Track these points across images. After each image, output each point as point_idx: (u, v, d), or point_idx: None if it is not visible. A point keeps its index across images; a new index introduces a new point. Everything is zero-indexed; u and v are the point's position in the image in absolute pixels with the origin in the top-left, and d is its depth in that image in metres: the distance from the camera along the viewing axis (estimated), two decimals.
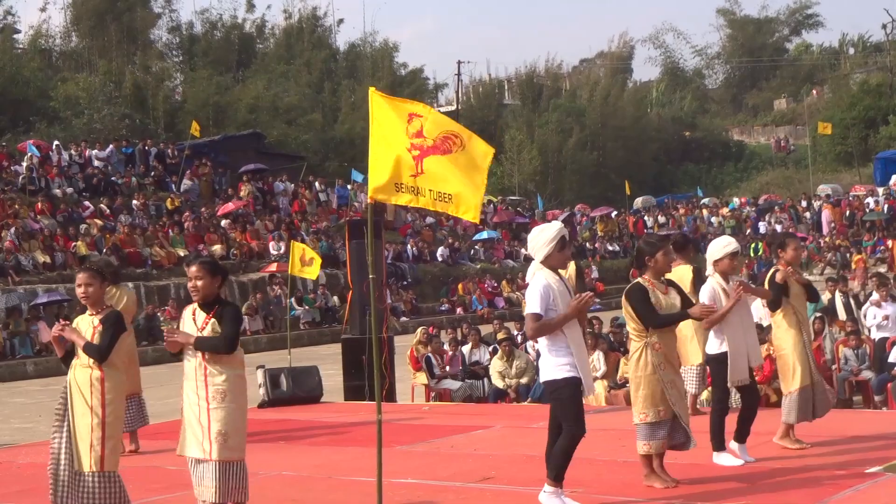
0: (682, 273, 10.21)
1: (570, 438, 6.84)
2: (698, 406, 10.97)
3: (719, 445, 8.35)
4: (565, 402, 6.87)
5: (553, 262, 6.97)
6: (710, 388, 9.77)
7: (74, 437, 6.69)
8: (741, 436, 8.45)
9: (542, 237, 6.99)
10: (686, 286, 9.95)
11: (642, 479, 7.65)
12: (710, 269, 8.60)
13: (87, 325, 6.79)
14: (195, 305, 6.42)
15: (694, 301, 10.01)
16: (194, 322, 6.37)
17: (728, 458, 8.30)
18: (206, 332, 6.30)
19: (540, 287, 6.86)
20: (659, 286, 7.64)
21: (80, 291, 6.84)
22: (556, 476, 6.90)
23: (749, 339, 8.53)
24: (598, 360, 13.21)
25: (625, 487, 7.67)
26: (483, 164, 7.14)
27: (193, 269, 6.38)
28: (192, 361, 6.44)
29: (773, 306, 8.82)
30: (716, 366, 8.48)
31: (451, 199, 7.03)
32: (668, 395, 7.47)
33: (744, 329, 8.46)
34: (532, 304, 6.85)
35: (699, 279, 10.23)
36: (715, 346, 8.45)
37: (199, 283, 6.35)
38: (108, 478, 6.67)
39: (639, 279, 7.67)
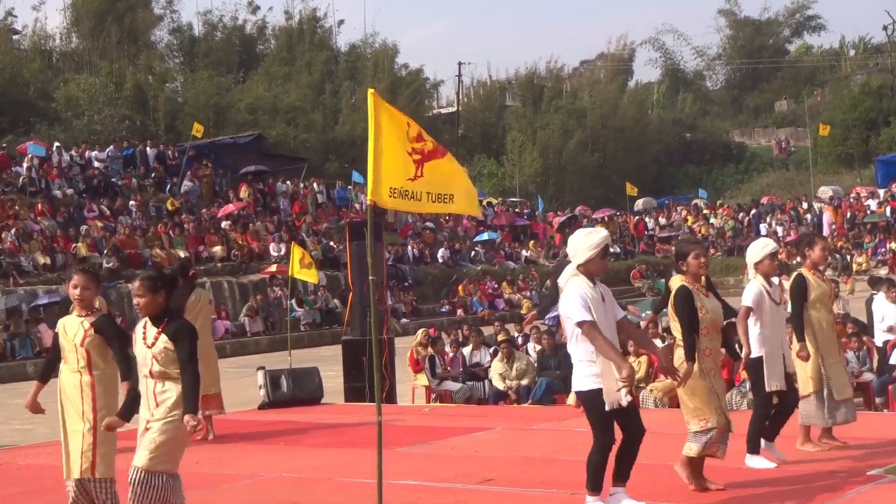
0: None
1: (598, 449, 6.76)
2: None
3: (754, 448, 8.28)
4: (591, 413, 6.75)
5: (592, 267, 6.80)
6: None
7: (66, 443, 6.68)
8: (771, 435, 8.41)
9: (587, 241, 6.82)
10: None
11: (685, 481, 7.57)
12: (751, 272, 8.53)
13: (76, 327, 6.75)
14: (146, 319, 6.34)
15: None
16: (144, 340, 6.26)
17: (761, 461, 8.23)
18: (157, 349, 6.19)
19: (576, 295, 6.68)
20: (701, 288, 7.59)
21: (76, 293, 6.79)
22: (594, 486, 6.80)
23: (784, 345, 8.49)
24: None
25: (626, 490, 7.63)
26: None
27: (135, 285, 6.31)
28: (142, 378, 6.33)
29: (793, 316, 8.76)
30: (754, 371, 8.40)
31: (451, 198, 7.09)
32: (717, 400, 7.46)
33: (779, 336, 8.42)
34: (578, 312, 6.63)
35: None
36: (756, 349, 8.35)
37: (141, 300, 6.28)
38: (101, 484, 6.65)
39: (682, 282, 7.59)
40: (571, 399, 13.10)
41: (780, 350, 8.43)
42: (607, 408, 6.65)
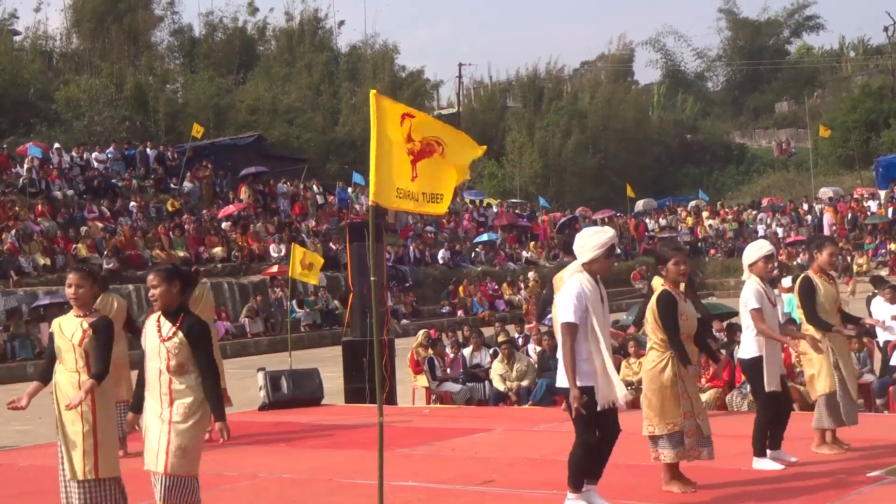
0: None
1: (580, 445, 6.82)
2: None
3: (760, 451, 8.24)
4: (579, 410, 6.76)
5: (596, 266, 6.85)
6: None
7: (66, 445, 6.65)
8: (776, 442, 8.36)
9: (593, 240, 6.87)
10: None
11: (661, 484, 7.58)
12: (746, 273, 8.52)
13: (73, 327, 6.73)
14: (159, 314, 6.28)
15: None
16: (159, 332, 6.20)
17: (768, 464, 8.20)
18: (172, 343, 6.14)
19: (574, 294, 6.72)
20: (680, 294, 7.61)
21: (70, 292, 6.81)
22: (575, 483, 6.86)
23: (778, 347, 8.48)
24: None
25: (626, 490, 7.64)
26: (465, 163, 7.33)
27: (150, 277, 6.31)
28: (153, 371, 6.25)
29: (809, 318, 8.75)
30: (752, 371, 8.35)
31: (441, 199, 7.17)
32: (690, 405, 7.45)
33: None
34: (567, 312, 6.71)
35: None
36: (750, 350, 8.34)
37: (156, 291, 6.23)
38: (104, 484, 6.63)
39: (665, 287, 7.60)
40: None
41: (778, 351, 8.44)
42: (599, 407, 6.71)
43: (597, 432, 6.85)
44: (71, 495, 6.65)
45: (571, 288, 6.77)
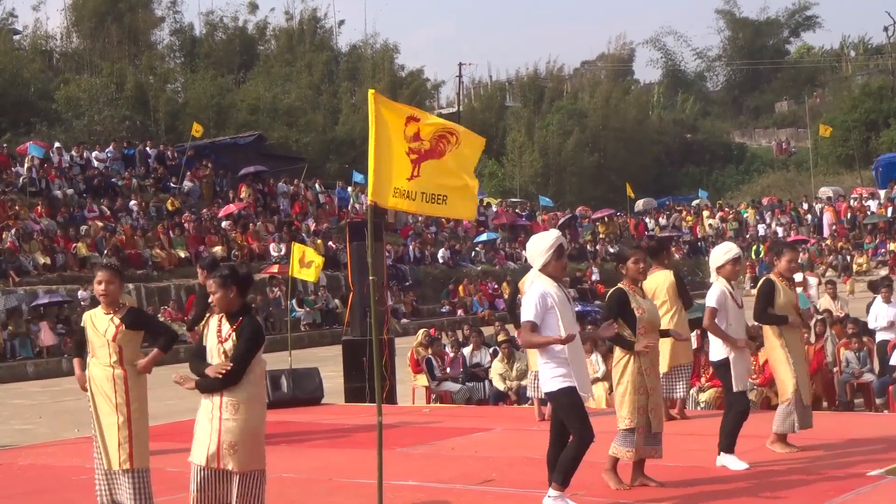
0: (659, 279, 10.30)
1: (580, 443, 6.86)
2: (685, 410, 10.98)
3: (728, 447, 8.31)
4: (567, 409, 6.89)
5: (551, 270, 6.99)
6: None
7: (101, 437, 6.86)
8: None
9: (539, 245, 7.03)
10: (662, 292, 10.13)
11: (601, 473, 7.72)
12: (713, 276, 8.61)
13: (105, 323, 6.90)
14: (221, 315, 6.39)
15: (674, 307, 10.22)
16: (218, 333, 6.31)
17: (733, 461, 8.25)
18: (229, 345, 6.24)
19: (537, 295, 6.87)
20: (639, 291, 7.82)
21: (100, 289, 6.93)
22: (564, 480, 6.91)
23: (746, 347, 8.60)
24: (596, 361, 13.15)
25: (626, 490, 7.65)
26: (475, 157, 7.31)
27: (209, 283, 6.42)
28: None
29: (761, 320, 8.84)
30: (725, 371, 8.46)
31: (444, 200, 7.14)
32: (648, 401, 7.59)
33: (742, 337, 8.49)
34: (528, 312, 6.87)
35: (681, 283, 10.43)
36: (720, 352, 8.44)
37: (214, 297, 6.36)
38: (138, 474, 6.84)
39: (620, 284, 7.81)
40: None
41: (746, 351, 8.57)
42: (585, 400, 6.90)
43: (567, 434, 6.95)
44: (112, 485, 6.87)
45: (535, 290, 6.93)
